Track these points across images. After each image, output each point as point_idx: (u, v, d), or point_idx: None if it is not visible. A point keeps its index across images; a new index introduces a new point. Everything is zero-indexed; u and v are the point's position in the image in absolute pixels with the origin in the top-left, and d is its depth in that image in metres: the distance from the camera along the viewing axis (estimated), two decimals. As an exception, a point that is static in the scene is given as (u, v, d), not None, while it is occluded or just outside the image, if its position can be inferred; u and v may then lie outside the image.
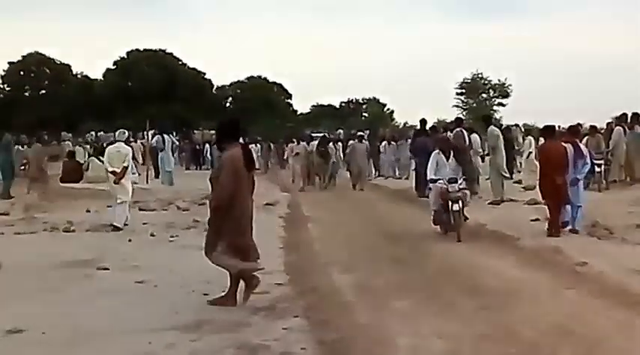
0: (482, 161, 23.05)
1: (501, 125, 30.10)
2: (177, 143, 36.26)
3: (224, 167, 8.69)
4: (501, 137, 19.71)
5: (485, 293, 9.14)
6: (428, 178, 14.41)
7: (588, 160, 14.71)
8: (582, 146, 14.71)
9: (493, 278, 10.10)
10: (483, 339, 7.08)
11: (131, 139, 18.35)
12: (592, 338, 7.01)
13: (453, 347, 6.87)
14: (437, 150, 14.72)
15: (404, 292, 9.28)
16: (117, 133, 18.79)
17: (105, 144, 33.17)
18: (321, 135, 30.21)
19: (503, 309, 8.27)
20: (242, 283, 8.67)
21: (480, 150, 22.54)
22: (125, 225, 16.10)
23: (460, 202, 13.63)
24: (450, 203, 13.56)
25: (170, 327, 7.52)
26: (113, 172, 16.40)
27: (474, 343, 6.96)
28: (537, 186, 15.19)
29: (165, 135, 30.53)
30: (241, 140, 9.88)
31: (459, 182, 14.00)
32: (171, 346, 6.87)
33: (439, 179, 13.98)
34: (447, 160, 14.32)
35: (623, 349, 6.66)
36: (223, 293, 8.79)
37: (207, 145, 42.31)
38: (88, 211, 17.43)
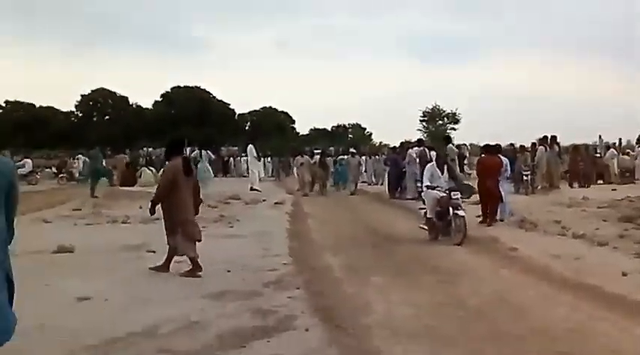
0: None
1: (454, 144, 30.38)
2: (214, 156, 36.15)
3: (164, 174, 9.30)
4: (455, 151, 20.10)
5: (441, 271, 9.19)
6: (424, 185, 12.36)
7: (508, 168, 15.78)
8: (503, 158, 14.97)
9: (447, 260, 10.16)
10: (440, 306, 7.15)
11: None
12: (521, 306, 7.10)
13: (417, 312, 6.90)
14: (432, 163, 12.90)
15: (379, 270, 9.27)
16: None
17: (153, 157, 33.14)
18: (320, 151, 29.64)
19: (454, 283, 8.33)
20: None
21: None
22: None
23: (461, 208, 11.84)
24: (451, 209, 11.62)
25: (200, 296, 7.53)
26: None
27: (433, 309, 7.02)
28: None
29: (203, 151, 30.76)
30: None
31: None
32: (202, 311, 6.88)
33: (437, 186, 12.09)
34: (442, 173, 12.41)
35: (544, 314, 6.71)
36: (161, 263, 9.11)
37: (231, 158, 42.33)
38: (140, 208, 17.35)
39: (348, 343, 5.71)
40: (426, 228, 12.36)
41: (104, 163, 27.75)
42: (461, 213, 11.56)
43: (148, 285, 8.29)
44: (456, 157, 19.91)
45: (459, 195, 11.94)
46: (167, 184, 8.94)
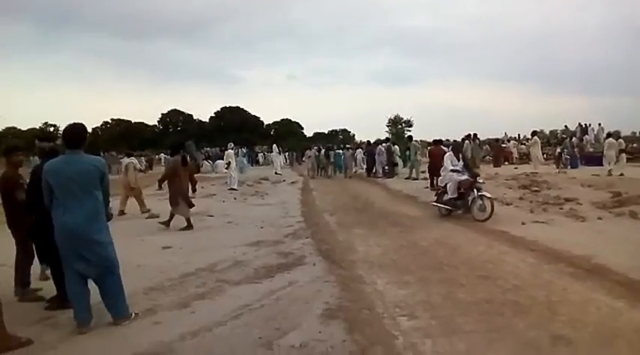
0: (403, 160, 22.88)
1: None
2: (247, 152, 36.07)
3: (169, 165, 9.83)
4: (418, 145, 19.98)
5: (401, 224, 9.17)
6: (450, 169, 9.85)
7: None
8: (444, 148, 15.14)
9: (405, 217, 10.11)
10: (400, 247, 7.14)
11: (229, 149, 18.70)
12: (454, 246, 7.09)
13: (385, 251, 6.93)
14: (450, 153, 10.40)
15: (360, 225, 9.27)
16: (228, 145, 19.95)
17: (210, 154, 33.04)
18: (326, 146, 28.28)
19: (410, 232, 8.30)
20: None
21: (399, 154, 22.60)
22: (234, 189, 16.78)
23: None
24: (476, 191, 9.22)
25: (243, 244, 7.56)
26: (229, 162, 17.85)
27: (396, 249, 7.01)
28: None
29: (242, 149, 30.77)
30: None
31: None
32: (244, 254, 6.93)
33: (459, 171, 9.83)
34: (458, 160, 10.08)
35: (469, 250, 6.70)
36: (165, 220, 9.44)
37: (259, 154, 41.98)
38: (202, 187, 17.37)
39: (341, 272, 5.75)
40: (439, 205, 10.04)
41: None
42: (488, 194, 9.26)
43: (208, 237, 8.34)
44: (415, 149, 19.58)
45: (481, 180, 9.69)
46: (169, 171, 9.60)
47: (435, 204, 10.28)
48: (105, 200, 4.24)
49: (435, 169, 14.74)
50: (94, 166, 4.12)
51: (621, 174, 15.63)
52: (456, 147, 11.59)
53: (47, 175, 4.05)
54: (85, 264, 4.07)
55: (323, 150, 25.65)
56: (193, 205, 9.58)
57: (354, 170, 24.31)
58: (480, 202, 9.20)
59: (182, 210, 9.29)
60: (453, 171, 9.87)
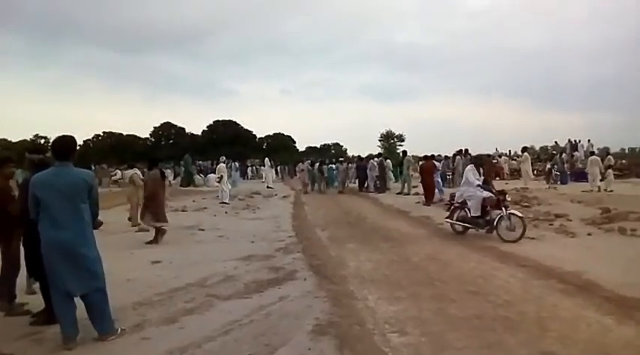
0: (394, 175, 22.96)
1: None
2: (240, 166, 36.00)
3: (150, 179, 9.62)
4: (411, 160, 19.98)
5: (393, 239, 9.15)
6: (475, 185, 9.13)
7: (439, 168, 17.32)
8: (436, 163, 15.74)
9: (396, 232, 10.09)
10: (392, 262, 7.14)
11: (221, 163, 18.61)
12: (445, 261, 7.10)
13: (376, 266, 6.91)
14: (472, 166, 9.75)
15: (352, 240, 9.24)
16: (220, 158, 19.93)
17: (202, 167, 33.02)
18: (320, 160, 26.31)
19: (402, 247, 8.30)
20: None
21: (391, 168, 22.72)
22: (226, 203, 16.58)
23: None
24: (504, 210, 8.56)
25: (234, 259, 7.51)
26: (221, 176, 17.65)
27: (387, 264, 7.01)
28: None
29: (234, 163, 30.74)
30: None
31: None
32: (235, 268, 6.88)
33: (485, 188, 9.14)
34: (480, 175, 9.49)
35: (460, 266, 6.72)
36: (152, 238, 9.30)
37: (249, 167, 41.72)
38: (193, 201, 17.33)
39: (332, 288, 5.72)
40: (456, 222, 9.45)
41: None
42: (518, 213, 8.74)
43: (198, 252, 8.28)
44: (409, 164, 19.57)
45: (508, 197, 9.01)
46: (153, 188, 9.40)
47: (448, 221, 9.66)
48: (93, 212, 4.21)
49: (426, 184, 15.03)
50: (83, 179, 4.10)
51: (611, 191, 15.80)
52: (477, 160, 10.68)
53: (34, 187, 4.02)
54: (71, 278, 4.02)
55: (317, 164, 24.64)
56: (167, 221, 9.55)
57: (346, 184, 23.88)
58: (509, 222, 8.49)
59: (148, 220, 9.37)
60: (478, 186, 9.17)
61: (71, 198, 3.99)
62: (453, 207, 9.69)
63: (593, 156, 18.76)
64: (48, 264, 4.03)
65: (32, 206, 4.05)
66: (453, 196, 9.96)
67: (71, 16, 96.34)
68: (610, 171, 18.14)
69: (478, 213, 9.00)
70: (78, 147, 4.46)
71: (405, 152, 21.41)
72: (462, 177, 10.01)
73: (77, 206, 4.02)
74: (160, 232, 9.29)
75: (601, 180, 17.49)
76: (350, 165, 26.55)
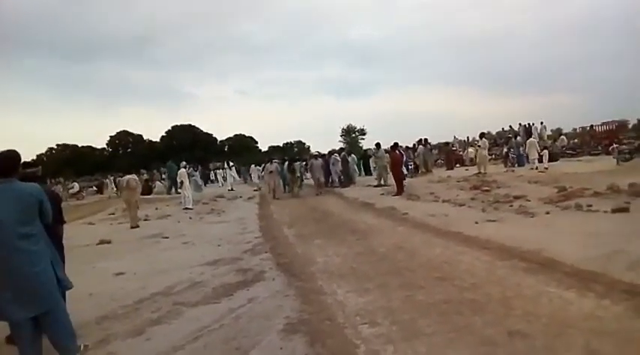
0: (358, 168, 23.06)
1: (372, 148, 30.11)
2: (202, 170, 35.37)
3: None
4: (384, 153, 19.77)
5: (359, 232, 9.16)
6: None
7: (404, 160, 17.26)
8: (403, 152, 16.00)
9: (363, 224, 10.11)
10: (359, 254, 7.14)
11: (182, 168, 18.20)
12: (411, 250, 7.13)
13: (344, 259, 6.91)
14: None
15: (319, 235, 9.23)
16: (181, 164, 19.20)
17: (164, 174, 32.35)
18: (289, 159, 22.61)
19: (368, 239, 8.31)
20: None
21: (356, 162, 22.81)
22: (189, 209, 16.46)
23: None
24: None
25: (200, 264, 7.39)
26: (182, 182, 17.71)
27: (355, 257, 7.02)
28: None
29: (193, 168, 30.13)
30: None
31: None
32: (202, 274, 6.77)
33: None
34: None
35: (426, 253, 6.76)
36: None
37: (212, 172, 40.93)
38: (156, 209, 16.96)
39: (301, 285, 5.70)
40: None
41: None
42: None
43: (163, 260, 8.09)
44: (382, 156, 19.42)
45: None
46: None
47: None
48: (46, 224, 3.99)
49: (396, 171, 15.28)
50: (29, 194, 3.88)
51: (546, 168, 16.92)
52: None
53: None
54: (23, 299, 3.77)
55: (286, 163, 21.45)
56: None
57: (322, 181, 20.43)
58: None
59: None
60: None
61: (17, 216, 3.77)
62: None
63: (531, 139, 20.39)
64: None
65: None
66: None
67: (19, 25, 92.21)
68: (546, 151, 19.25)
69: None
70: (32, 162, 4.24)
71: (378, 144, 20.96)
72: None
73: (25, 223, 3.80)
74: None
75: (540, 161, 18.36)
76: (311, 161, 26.13)
